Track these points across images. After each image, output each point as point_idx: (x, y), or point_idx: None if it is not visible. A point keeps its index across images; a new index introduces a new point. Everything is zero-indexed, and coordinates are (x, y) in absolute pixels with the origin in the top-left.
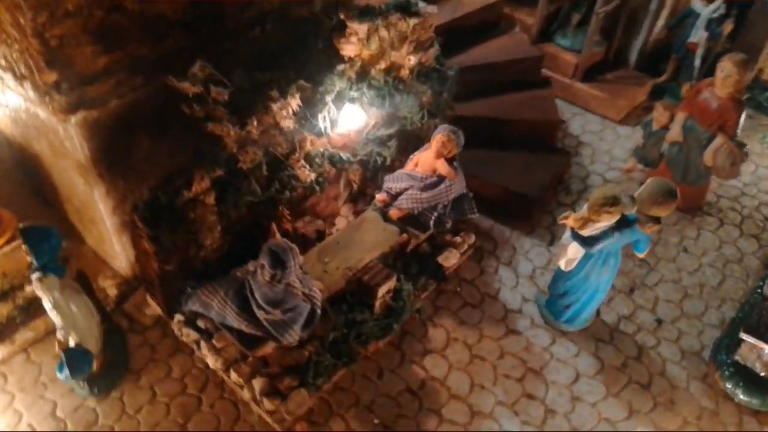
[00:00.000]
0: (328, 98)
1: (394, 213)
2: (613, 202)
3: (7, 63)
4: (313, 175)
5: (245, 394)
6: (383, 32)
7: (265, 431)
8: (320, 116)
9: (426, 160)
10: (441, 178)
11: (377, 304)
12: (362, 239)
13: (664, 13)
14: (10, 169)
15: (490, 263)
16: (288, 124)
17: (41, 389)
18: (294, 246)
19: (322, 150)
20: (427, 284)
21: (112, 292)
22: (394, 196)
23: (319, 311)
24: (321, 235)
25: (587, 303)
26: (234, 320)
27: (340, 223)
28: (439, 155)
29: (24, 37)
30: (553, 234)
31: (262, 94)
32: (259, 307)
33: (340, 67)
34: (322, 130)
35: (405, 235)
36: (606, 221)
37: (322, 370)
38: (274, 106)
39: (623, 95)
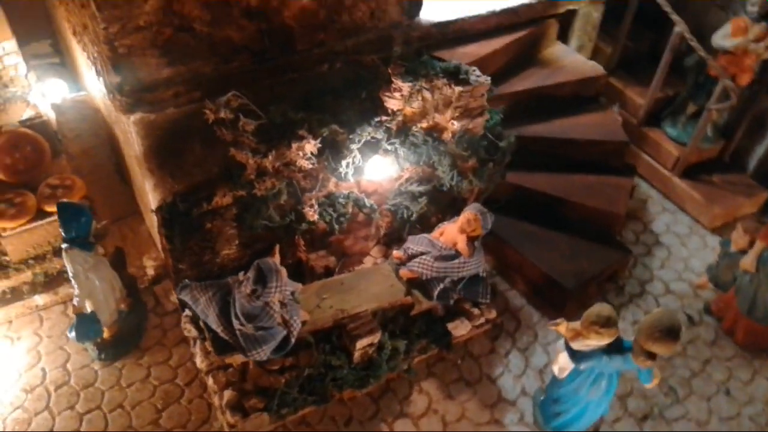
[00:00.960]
0: (354, 146)
1: (404, 273)
2: (604, 322)
3: (93, 58)
4: (316, 217)
5: (216, 401)
6: (426, 94)
7: None
8: (344, 162)
9: (450, 232)
10: (457, 254)
11: (356, 354)
12: (366, 288)
13: None
14: (102, 144)
15: (504, 344)
16: (303, 163)
17: (64, 341)
18: (281, 269)
19: (347, 192)
20: (429, 347)
21: (150, 272)
22: (410, 257)
23: (293, 339)
24: (330, 272)
25: (576, 418)
26: (213, 321)
27: (369, 263)
28: (462, 231)
29: (98, 41)
30: None
31: (292, 131)
32: (236, 316)
33: (377, 118)
34: (343, 175)
35: (408, 298)
36: (595, 341)
37: (289, 402)
38: (294, 146)
39: (724, 202)
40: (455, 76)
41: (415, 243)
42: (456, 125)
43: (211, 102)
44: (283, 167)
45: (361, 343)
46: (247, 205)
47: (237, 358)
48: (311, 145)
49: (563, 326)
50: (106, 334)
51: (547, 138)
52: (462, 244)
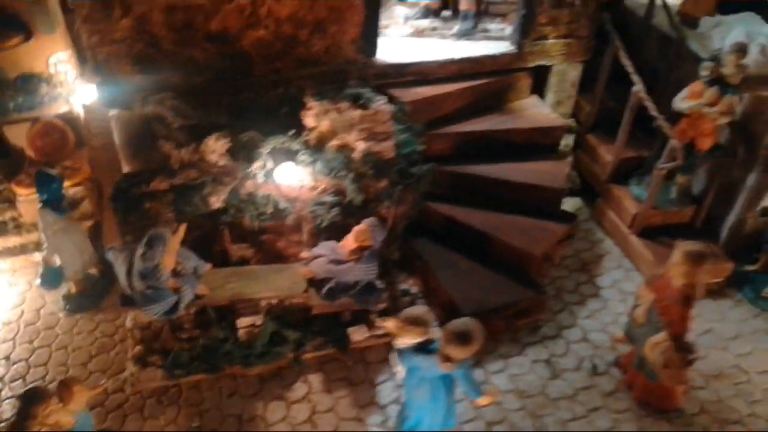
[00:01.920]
0: (264, 151)
1: (303, 271)
2: (413, 320)
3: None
4: (218, 205)
5: (129, 354)
6: (333, 114)
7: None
8: (255, 164)
9: (348, 239)
10: (349, 259)
11: (240, 332)
12: (273, 279)
13: None
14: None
15: None
16: (214, 159)
17: (45, 291)
18: (169, 237)
19: (268, 194)
20: (325, 346)
21: None
22: (314, 258)
23: (182, 306)
24: (246, 261)
25: (416, 424)
26: (122, 279)
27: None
28: (355, 240)
29: (83, 47)
30: (480, 360)
31: (215, 133)
32: (134, 274)
33: (292, 131)
34: (253, 176)
35: (305, 293)
36: (406, 338)
37: (182, 364)
38: (207, 143)
39: None
40: (356, 101)
41: (321, 246)
42: (362, 146)
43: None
44: (199, 161)
45: (242, 322)
46: (179, 193)
47: (135, 313)
48: (220, 144)
49: (390, 323)
50: (73, 289)
51: (487, 177)
52: (348, 249)
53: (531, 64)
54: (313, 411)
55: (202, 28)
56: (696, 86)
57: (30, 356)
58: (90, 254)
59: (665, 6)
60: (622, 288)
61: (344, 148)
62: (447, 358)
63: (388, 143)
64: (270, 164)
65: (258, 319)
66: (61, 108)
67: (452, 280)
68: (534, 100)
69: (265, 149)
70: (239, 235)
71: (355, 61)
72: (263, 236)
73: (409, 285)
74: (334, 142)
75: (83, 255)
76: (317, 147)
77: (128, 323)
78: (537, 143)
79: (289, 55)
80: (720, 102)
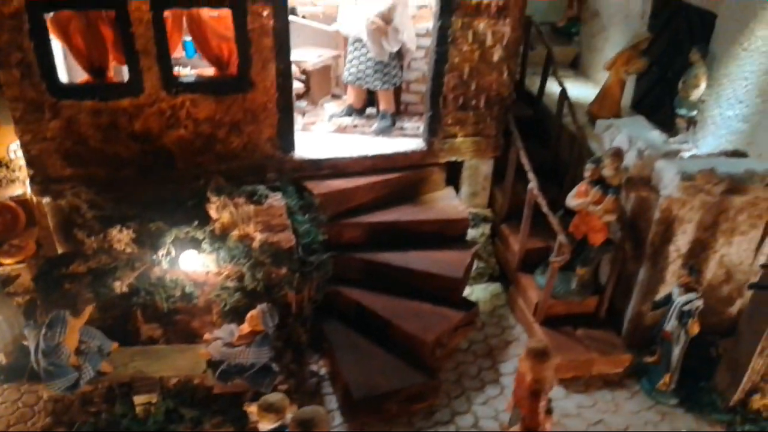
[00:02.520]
0: (168, 240)
1: (202, 352)
2: (266, 407)
3: None
4: (125, 289)
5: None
6: (232, 208)
7: None
8: (160, 252)
9: (245, 324)
10: (239, 343)
11: (138, 408)
12: (174, 359)
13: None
14: None
15: None
16: (121, 247)
17: None
18: (68, 320)
19: (176, 278)
20: (224, 425)
21: None
22: (214, 339)
23: (82, 383)
24: (155, 341)
25: None
26: (32, 355)
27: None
28: (247, 324)
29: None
30: None
31: (125, 222)
32: (37, 350)
33: (195, 222)
34: (157, 262)
35: (203, 373)
36: (263, 423)
37: None
38: (113, 232)
39: (572, 355)
40: (251, 197)
41: (222, 329)
42: (259, 237)
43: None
44: (109, 248)
45: (138, 399)
46: (95, 275)
47: (41, 388)
48: (125, 234)
49: (252, 408)
50: (3, 360)
51: (393, 265)
52: (240, 333)
53: (442, 160)
54: None
55: (126, 128)
56: (582, 186)
57: None
58: (21, 328)
59: (570, 108)
60: None
61: (244, 238)
62: None
63: (285, 234)
64: (173, 252)
65: (154, 397)
66: (17, 191)
67: (351, 363)
68: (448, 191)
69: (169, 238)
70: (153, 315)
71: (273, 156)
72: (176, 316)
73: (319, 367)
74: (235, 233)
75: (13, 329)
76: (220, 236)
77: (45, 395)
78: (444, 233)
79: (209, 152)
80: (603, 201)
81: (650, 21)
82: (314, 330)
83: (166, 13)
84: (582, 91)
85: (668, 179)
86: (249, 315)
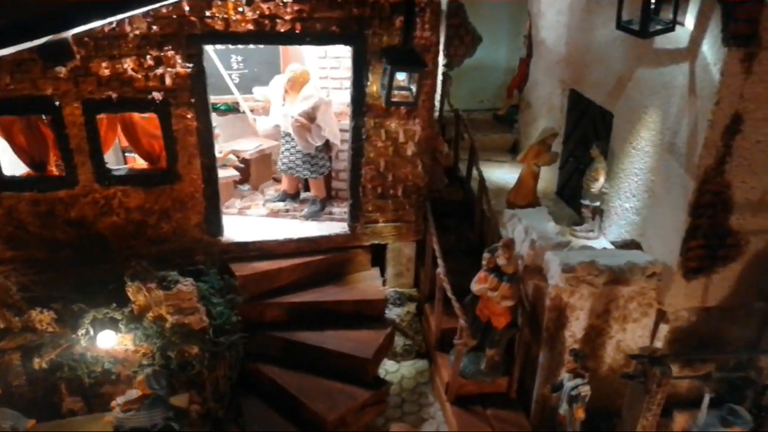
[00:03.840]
0: (87, 321)
1: (106, 420)
2: None
3: None
4: (46, 366)
5: None
6: (145, 292)
7: None
8: (80, 331)
9: None
10: (131, 408)
11: None
12: (87, 427)
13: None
14: None
15: None
16: (42, 327)
17: None
18: None
19: (97, 355)
20: None
21: None
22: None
23: None
24: (75, 413)
25: None
26: None
27: None
28: (138, 388)
29: None
30: None
31: (49, 304)
32: None
33: (114, 304)
34: (77, 340)
35: None
36: None
37: None
38: (32, 313)
39: None
40: (161, 282)
41: (124, 395)
42: (170, 319)
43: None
44: (33, 327)
45: None
46: (23, 351)
47: None
48: (44, 315)
49: None
50: None
51: (308, 344)
52: (132, 399)
53: (365, 243)
54: None
55: (63, 215)
56: (481, 273)
57: None
58: None
59: (486, 196)
60: None
61: (158, 319)
62: None
63: (195, 317)
64: (92, 331)
65: None
66: None
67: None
68: (373, 272)
69: (88, 319)
70: (78, 388)
71: (201, 240)
72: (101, 389)
73: None
74: (150, 314)
75: None
76: (138, 317)
77: None
78: (363, 313)
79: (141, 236)
80: (499, 288)
81: (567, 115)
82: (232, 405)
83: (101, 115)
84: (515, 177)
85: (554, 269)
86: (136, 381)
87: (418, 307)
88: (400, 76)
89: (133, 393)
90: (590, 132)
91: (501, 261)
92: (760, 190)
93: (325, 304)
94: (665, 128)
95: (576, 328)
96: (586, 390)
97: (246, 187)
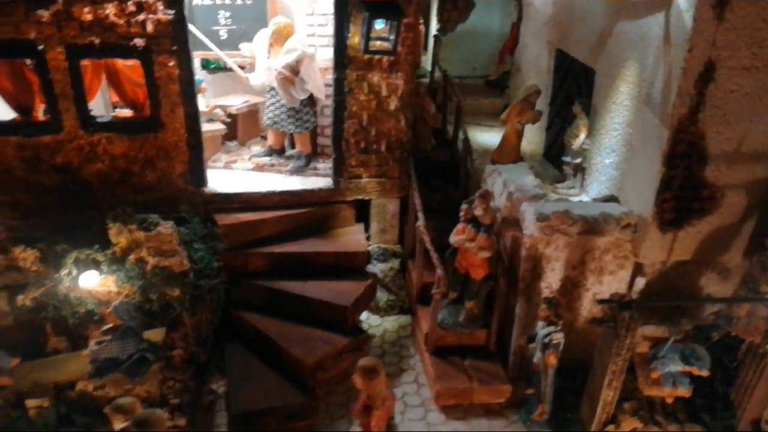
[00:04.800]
0: (69, 261)
1: (83, 354)
2: (115, 408)
3: None
4: (31, 303)
5: None
6: (126, 234)
7: None
8: (63, 271)
9: None
10: (103, 339)
11: (30, 411)
12: (70, 365)
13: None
14: None
15: None
16: (27, 265)
17: None
18: None
19: (80, 296)
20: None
21: None
22: None
23: None
24: (59, 352)
25: None
26: None
27: None
28: (108, 320)
29: None
30: None
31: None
32: None
33: (96, 246)
34: (60, 280)
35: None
36: (115, 423)
37: None
38: (16, 251)
39: (452, 384)
40: (141, 224)
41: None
42: (151, 260)
43: None
44: (17, 266)
45: (29, 402)
46: (9, 291)
47: None
48: (29, 254)
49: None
50: None
51: (289, 293)
52: (104, 330)
53: (349, 198)
54: None
55: (48, 161)
56: (459, 225)
57: None
58: None
59: (470, 154)
60: (407, 401)
61: (140, 261)
62: None
63: (176, 259)
64: (74, 272)
65: (45, 401)
66: None
67: (239, 381)
68: (357, 228)
69: (70, 259)
70: (63, 329)
71: (185, 190)
72: (86, 331)
73: (218, 386)
74: (132, 256)
75: None
76: (120, 259)
77: None
78: (344, 266)
79: (126, 184)
80: (476, 238)
81: (554, 76)
82: (216, 351)
83: (85, 62)
84: None
85: (529, 220)
86: (106, 312)
87: (401, 263)
88: (380, 26)
89: (105, 327)
90: (574, 90)
91: (478, 211)
92: (735, 141)
93: (307, 255)
94: (642, 80)
95: (552, 279)
96: (558, 337)
97: (233, 143)
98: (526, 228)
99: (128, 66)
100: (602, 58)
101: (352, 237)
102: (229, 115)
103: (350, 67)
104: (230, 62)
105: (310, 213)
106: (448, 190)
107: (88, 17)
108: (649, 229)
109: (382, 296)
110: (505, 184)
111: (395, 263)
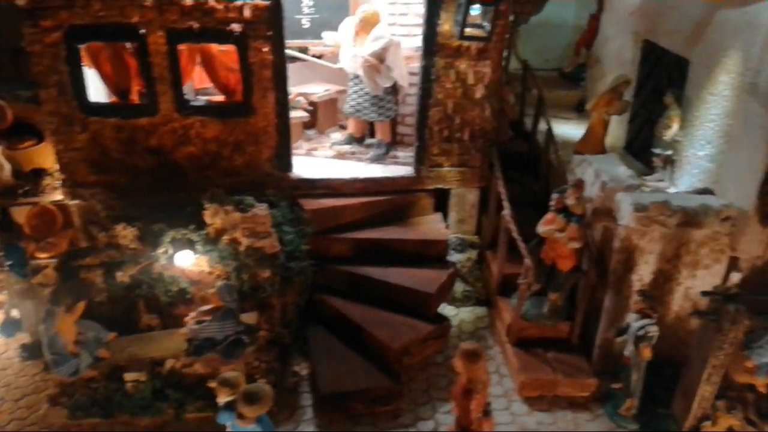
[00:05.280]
0: (166, 240)
1: (181, 332)
2: (221, 381)
3: None
4: (129, 280)
5: None
6: (222, 215)
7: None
8: (159, 250)
9: None
10: (204, 318)
11: (128, 385)
12: (165, 342)
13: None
14: None
15: None
16: (127, 243)
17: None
18: (57, 315)
19: (174, 275)
20: (206, 408)
21: None
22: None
23: (81, 369)
24: (152, 329)
25: None
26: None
27: None
28: (210, 301)
29: None
30: None
31: (131, 222)
32: (45, 345)
33: (192, 226)
34: (156, 258)
35: (184, 351)
36: (220, 396)
37: (82, 407)
38: (117, 228)
39: (536, 375)
40: (238, 205)
41: (197, 311)
42: (245, 241)
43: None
44: (116, 244)
45: (128, 376)
46: (105, 268)
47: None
48: (128, 232)
49: (213, 383)
50: (28, 340)
51: (372, 278)
52: (205, 310)
53: (429, 187)
54: None
55: (143, 143)
56: (549, 214)
57: None
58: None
59: (554, 145)
60: (490, 391)
61: (233, 242)
62: (240, 416)
63: (269, 240)
64: (171, 251)
65: (142, 376)
66: (58, 197)
67: (325, 363)
68: (435, 217)
69: (167, 238)
70: (155, 306)
71: (271, 174)
72: (176, 310)
73: (301, 368)
74: (225, 237)
75: (39, 314)
76: (213, 240)
77: None
78: (425, 254)
79: (216, 167)
80: (567, 229)
81: (639, 67)
82: (299, 334)
83: (182, 47)
84: (581, 132)
85: (625, 210)
86: (209, 293)
87: (479, 255)
88: (475, 12)
89: (206, 307)
90: (664, 81)
91: (570, 201)
92: None
93: (388, 242)
94: (746, 69)
95: (644, 272)
96: (653, 330)
97: (312, 131)
98: (621, 218)
99: (222, 51)
100: (699, 48)
101: (431, 225)
102: (311, 103)
103: (439, 55)
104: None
105: (391, 201)
106: (526, 181)
107: (189, 2)
108: (749, 222)
109: (458, 287)
110: (597, 174)
111: (473, 254)
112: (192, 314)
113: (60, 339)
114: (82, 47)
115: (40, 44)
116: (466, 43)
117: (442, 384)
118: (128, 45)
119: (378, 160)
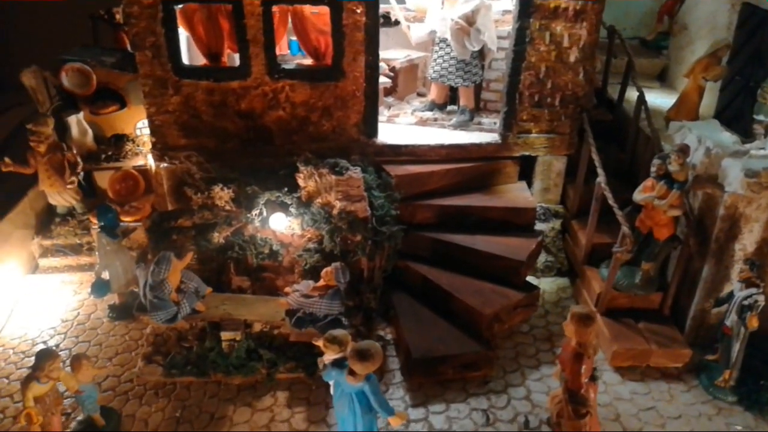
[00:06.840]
0: (261, 202)
1: (281, 302)
2: (330, 339)
3: None
4: (222, 242)
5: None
6: (317, 178)
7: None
8: (254, 212)
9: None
10: (315, 294)
11: (224, 344)
12: (258, 307)
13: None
14: None
15: None
16: (222, 204)
17: (100, 301)
18: (172, 260)
19: (266, 237)
20: (296, 370)
21: None
22: (294, 292)
23: (180, 316)
24: (243, 291)
25: None
26: (141, 289)
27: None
28: (322, 278)
29: None
30: (426, 400)
31: (227, 184)
32: (146, 285)
33: (285, 189)
34: (251, 221)
35: (281, 320)
36: (328, 354)
37: (177, 365)
38: (215, 190)
39: (629, 345)
40: (333, 168)
41: (301, 284)
42: (338, 205)
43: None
44: (211, 205)
45: (225, 335)
46: (198, 230)
47: (147, 318)
48: (225, 193)
49: (319, 341)
50: (117, 301)
51: (460, 245)
52: (317, 286)
53: (516, 154)
54: (271, 419)
55: (233, 106)
56: (648, 181)
57: (73, 347)
58: (134, 274)
59: (647, 112)
60: None
61: (326, 206)
62: (351, 372)
63: (361, 204)
64: (265, 213)
65: (238, 335)
66: (139, 162)
67: (413, 328)
68: (520, 185)
69: (262, 200)
70: (244, 269)
71: (357, 140)
72: (264, 273)
73: (385, 333)
74: (318, 200)
75: (127, 274)
76: (306, 203)
77: (148, 330)
78: (511, 222)
79: (303, 132)
80: (668, 196)
81: (736, 32)
82: (384, 299)
83: (274, 9)
84: (665, 101)
85: (733, 176)
86: (324, 271)
87: (562, 225)
88: None
89: (307, 282)
90: (766, 45)
91: (674, 167)
92: None
93: (474, 210)
94: None
95: (748, 241)
96: (761, 299)
97: (390, 98)
98: (728, 185)
99: (314, 13)
100: None
101: (518, 193)
102: (391, 69)
103: (534, 16)
104: (399, 15)
105: (476, 168)
106: (610, 150)
107: None
108: None
109: (540, 257)
110: (699, 140)
111: (557, 224)
112: (296, 286)
113: (167, 284)
114: (179, 9)
115: (138, 5)
116: (564, 4)
117: (530, 352)
118: (223, 7)
119: (462, 126)
